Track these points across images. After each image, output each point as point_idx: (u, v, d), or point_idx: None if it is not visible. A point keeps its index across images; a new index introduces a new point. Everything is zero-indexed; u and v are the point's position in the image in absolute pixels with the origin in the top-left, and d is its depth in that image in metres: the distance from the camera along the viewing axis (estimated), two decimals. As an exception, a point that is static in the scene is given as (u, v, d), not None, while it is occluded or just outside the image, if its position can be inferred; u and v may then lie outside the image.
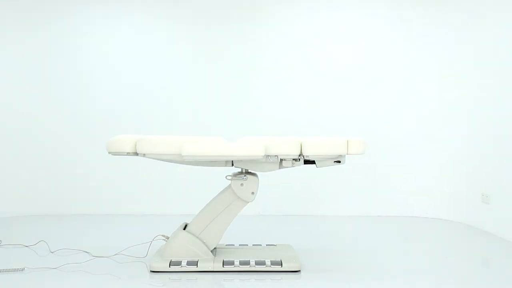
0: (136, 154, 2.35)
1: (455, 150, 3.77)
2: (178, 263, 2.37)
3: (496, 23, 3.34)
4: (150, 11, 3.93)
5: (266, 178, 3.87)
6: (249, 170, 2.50)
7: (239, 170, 2.53)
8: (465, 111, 3.69)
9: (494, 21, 3.37)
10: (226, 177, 2.47)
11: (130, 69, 3.91)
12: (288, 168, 3.78)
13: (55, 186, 3.88)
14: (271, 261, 2.41)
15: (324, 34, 3.93)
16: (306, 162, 2.45)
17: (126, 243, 2.85)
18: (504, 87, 3.25)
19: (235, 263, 2.39)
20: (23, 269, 2.38)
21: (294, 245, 2.79)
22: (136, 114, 3.91)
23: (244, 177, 2.43)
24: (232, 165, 2.46)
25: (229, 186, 2.47)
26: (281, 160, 2.41)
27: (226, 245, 2.74)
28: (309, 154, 2.33)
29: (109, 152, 2.36)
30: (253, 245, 2.77)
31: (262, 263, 2.39)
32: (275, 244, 2.78)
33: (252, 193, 2.45)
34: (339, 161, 2.43)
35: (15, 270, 2.37)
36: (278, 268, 2.38)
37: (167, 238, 2.67)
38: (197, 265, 2.36)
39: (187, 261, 2.38)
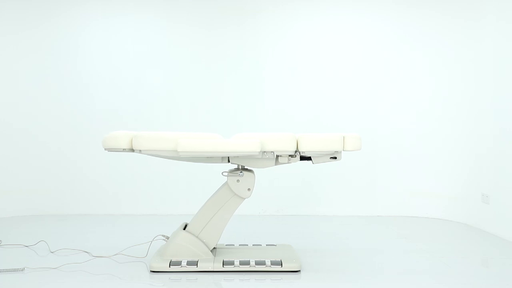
0: (132, 150, 2.34)
1: (455, 150, 3.77)
2: (178, 263, 2.37)
3: (496, 23, 3.34)
4: (149, 10, 3.93)
5: (266, 178, 3.91)
6: (245, 167, 2.50)
7: (236, 166, 2.53)
8: (465, 111, 3.69)
9: (494, 21, 3.37)
10: (222, 173, 2.47)
11: (130, 69, 3.92)
12: (288, 168, 3.86)
13: (55, 186, 3.88)
14: (271, 261, 2.41)
15: (324, 34, 3.94)
16: (302, 158, 2.46)
17: (126, 243, 2.85)
18: (503, 87, 3.25)
19: (235, 263, 2.39)
20: (23, 269, 2.38)
21: (294, 245, 2.80)
22: (136, 114, 3.91)
23: (240, 173, 2.44)
24: (228, 161, 2.47)
25: (226, 183, 2.48)
26: (277, 156, 2.41)
27: (226, 245, 2.74)
28: (305, 150, 2.33)
29: (105, 149, 2.34)
30: (253, 245, 2.77)
31: (262, 263, 2.39)
32: (275, 244, 2.78)
33: (249, 189, 2.45)
34: (335, 157, 2.43)
35: (15, 270, 2.37)
36: (278, 268, 2.38)
37: (167, 238, 2.67)
38: (197, 265, 2.36)
39: (187, 261, 2.38)
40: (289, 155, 2.41)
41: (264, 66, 3.94)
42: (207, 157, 2.48)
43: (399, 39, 3.91)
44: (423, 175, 3.91)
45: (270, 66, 3.94)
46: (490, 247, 3.02)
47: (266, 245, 2.76)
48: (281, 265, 2.39)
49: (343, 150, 2.36)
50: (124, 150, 2.32)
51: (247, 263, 2.39)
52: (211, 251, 2.51)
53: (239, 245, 2.76)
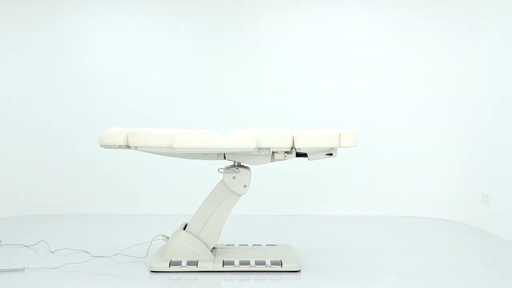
0: (128, 147, 2.34)
1: (455, 150, 3.77)
2: (178, 263, 2.37)
3: (496, 23, 3.34)
4: (150, 10, 3.93)
5: (266, 178, 3.90)
6: (241, 163, 2.50)
7: (232, 163, 2.53)
8: (465, 110, 3.69)
9: (493, 21, 3.37)
10: (218, 170, 2.47)
11: (131, 69, 3.91)
12: (288, 168, 3.87)
13: (55, 186, 3.88)
14: (271, 261, 2.41)
15: (323, 34, 3.93)
16: (298, 155, 2.46)
17: (126, 243, 2.85)
18: (504, 86, 3.25)
19: (235, 263, 2.39)
20: (23, 269, 2.38)
21: (294, 245, 2.80)
22: (137, 113, 3.90)
23: (236, 170, 2.44)
24: (225, 158, 2.47)
25: (222, 180, 2.47)
26: (273, 153, 2.41)
27: (226, 245, 2.74)
28: (301, 146, 2.33)
29: (101, 145, 2.34)
30: (253, 245, 2.77)
31: (262, 263, 2.39)
32: (275, 244, 2.78)
33: (245, 186, 2.45)
34: (331, 154, 2.43)
35: (15, 270, 2.37)
36: (278, 268, 2.38)
37: (167, 238, 2.67)
38: (197, 265, 2.36)
39: (187, 261, 2.38)
40: (285, 152, 2.41)
41: (263, 65, 3.93)
42: (203, 154, 2.48)
43: (399, 39, 3.90)
44: (423, 175, 3.91)
45: (269, 64, 3.93)
46: (490, 247, 3.02)
47: (266, 245, 2.76)
48: (281, 265, 2.39)
49: (339, 147, 2.37)
50: (120, 146, 2.32)
51: (247, 263, 2.39)
52: (211, 251, 2.51)
53: (239, 245, 2.76)
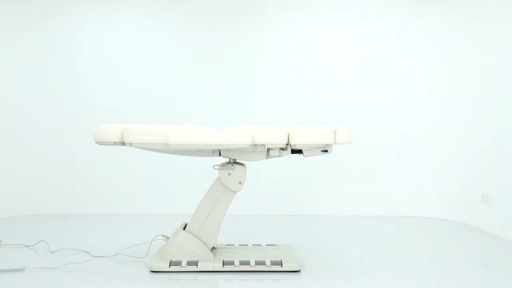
0: (123, 143, 2.34)
1: (455, 150, 3.77)
2: (178, 263, 2.37)
3: (496, 23, 3.34)
4: (149, 9, 3.93)
5: (266, 178, 3.91)
6: (236, 160, 2.50)
7: (227, 160, 2.53)
8: (466, 111, 3.69)
9: (494, 21, 3.37)
10: (213, 166, 2.47)
11: (131, 68, 3.91)
12: (288, 168, 3.87)
13: (55, 186, 3.88)
14: (271, 261, 2.41)
15: (323, 33, 3.93)
16: (294, 151, 2.46)
17: (126, 243, 2.85)
18: (504, 86, 3.25)
19: (235, 263, 2.39)
20: (23, 269, 2.38)
21: (294, 245, 2.80)
22: (137, 112, 3.90)
23: (232, 167, 2.43)
24: (220, 154, 2.47)
25: (218, 177, 2.48)
26: (268, 149, 2.41)
27: (226, 245, 2.74)
28: (296, 143, 2.33)
29: (96, 142, 2.33)
30: (253, 245, 2.77)
31: (262, 263, 2.39)
32: (275, 244, 2.78)
33: (240, 182, 2.45)
34: (326, 150, 2.43)
35: (15, 270, 2.37)
36: (278, 268, 2.38)
37: (167, 238, 2.67)
38: (197, 265, 2.36)
39: (187, 261, 2.38)
40: (280, 148, 2.41)
41: (261, 63, 3.93)
42: (198, 150, 2.48)
43: (400, 39, 3.90)
44: (423, 175, 3.91)
45: (268, 63, 3.93)
46: (490, 247, 3.02)
47: (266, 245, 2.76)
48: (281, 265, 2.39)
49: (334, 143, 2.36)
50: (115, 143, 2.32)
51: (247, 263, 2.39)
52: (211, 251, 2.51)
53: (239, 245, 2.76)
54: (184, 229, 2.53)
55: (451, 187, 3.80)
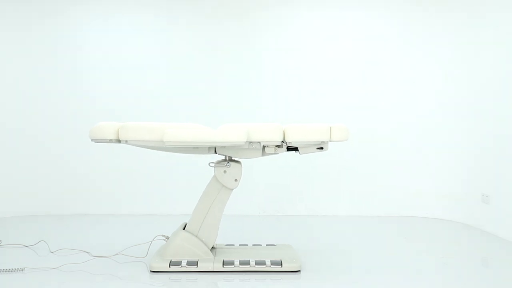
0: (118, 141, 2.34)
1: (455, 150, 3.77)
2: (178, 263, 2.37)
3: (496, 23, 3.34)
4: (149, 9, 3.93)
5: (266, 178, 3.91)
6: (232, 158, 2.50)
7: (223, 157, 2.54)
8: (466, 111, 3.69)
9: (494, 21, 3.37)
10: (209, 164, 2.47)
11: (130, 69, 3.91)
12: (288, 167, 3.87)
13: (55, 186, 3.88)
14: (271, 261, 2.41)
15: (323, 34, 3.93)
16: (289, 149, 2.46)
17: (126, 243, 2.85)
18: (504, 86, 3.25)
19: (235, 263, 2.39)
20: (23, 269, 2.38)
21: (294, 245, 2.80)
22: (137, 114, 3.90)
23: (227, 164, 2.44)
24: (215, 152, 2.47)
25: (214, 175, 2.48)
26: (264, 146, 2.41)
27: (226, 245, 2.74)
28: (291, 140, 2.33)
29: (92, 140, 2.33)
30: (253, 245, 2.77)
31: (262, 263, 2.39)
32: (275, 244, 2.78)
33: (236, 180, 2.45)
34: (321, 148, 2.43)
35: (15, 270, 2.37)
36: (278, 268, 2.38)
37: (167, 238, 2.67)
38: (197, 265, 2.36)
39: (187, 261, 2.38)
40: (276, 146, 2.41)
41: (261, 63, 3.92)
42: (194, 148, 2.48)
43: (400, 39, 3.90)
44: (423, 175, 3.91)
45: (268, 63, 3.93)
46: (490, 247, 3.02)
47: (266, 245, 2.76)
48: (281, 265, 2.39)
49: (330, 141, 2.37)
50: (110, 141, 2.32)
51: (247, 263, 2.39)
52: (211, 251, 2.51)
53: (239, 245, 2.76)
54: (184, 229, 2.53)
55: (451, 187, 3.80)
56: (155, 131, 2.28)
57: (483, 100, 3.49)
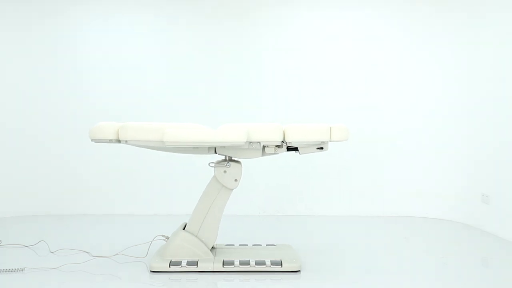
0: (118, 141, 2.34)
1: (455, 150, 3.77)
2: (178, 263, 2.37)
3: (496, 23, 3.34)
4: (149, 9, 3.93)
5: (266, 178, 3.90)
6: (232, 158, 2.50)
7: (223, 158, 2.54)
8: (466, 111, 3.69)
9: (494, 21, 3.37)
10: (209, 164, 2.47)
11: (131, 70, 3.91)
12: (288, 168, 3.87)
13: (55, 186, 3.88)
14: (271, 261, 2.41)
15: (322, 34, 3.93)
16: (289, 149, 2.46)
17: (126, 243, 2.85)
18: (504, 87, 3.25)
19: (235, 263, 2.39)
20: (23, 269, 2.38)
21: (294, 245, 2.80)
22: (137, 114, 3.89)
23: (227, 164, 2.44)
24: (215, 152, 2.47)
25: (214, 176, 2.48)
26: (264, 146, 2.41)
27: (226, 245, 2.74)
28: (291, 140, 2.33)
29: (92, 140, 2.33)
30: (253, 245, 2.77)
31: (262, 263, 2.39)
32: (275, 244, 2.78)
33: (236, 180, 2.45)
34: (321, 148, 2.43)
35: (15, 270, 2.37)
36: (278, 268, 2.38)
37: (167, 238, 2.68)
38: (197, 265, 2.36)
39: (187, 261, 2.38)
40: (276, 146, 2.41)
41: (261, 63, 3.92)
42: (194, 148, 2.48)
43: (400, 39, 3.90)
44: (424, 175, 3.91)
45: (268, 63, 3.92)
46: (490, 247, 3.02)
47: (266, 245, 2.76)
48: (281, 265, 2.39)
49: (330, 141, 2.37)
50: (110, 141, 2.32)
51: (247, 263, 2.39)
52: (211, 251, 2.51)
53: (239, 245, 2.76)
54: (184, 229, 2.53)
55: (451, 187, 3.80)
56: (155, 131, 2.28)
57: (483, 100, 3.48)
